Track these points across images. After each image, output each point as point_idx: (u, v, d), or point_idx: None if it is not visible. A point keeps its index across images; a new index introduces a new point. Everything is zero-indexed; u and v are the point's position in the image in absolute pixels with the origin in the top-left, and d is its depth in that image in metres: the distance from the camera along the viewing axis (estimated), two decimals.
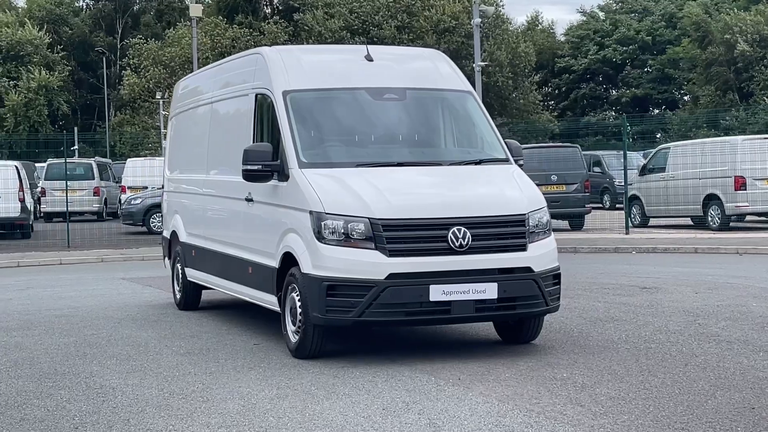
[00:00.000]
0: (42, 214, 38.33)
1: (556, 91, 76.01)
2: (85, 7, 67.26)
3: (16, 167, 30.25)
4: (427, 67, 11.77)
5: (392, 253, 9.61)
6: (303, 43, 61.79)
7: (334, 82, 11.18)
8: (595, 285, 16.19)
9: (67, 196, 30.01)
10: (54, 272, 21.60)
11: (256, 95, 11.40)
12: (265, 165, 10.54)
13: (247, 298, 11.86)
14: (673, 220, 30.00)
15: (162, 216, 16.26)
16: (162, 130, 56.04)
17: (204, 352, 10.81)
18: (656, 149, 30.71)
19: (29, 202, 30.57)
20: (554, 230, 11.06)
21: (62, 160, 38.38)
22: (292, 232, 10.23)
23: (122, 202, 34.06)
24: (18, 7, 70.21)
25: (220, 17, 63.58)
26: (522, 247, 10.02)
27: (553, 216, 30.09)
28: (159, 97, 58.30)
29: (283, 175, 10.46)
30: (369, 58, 11.40)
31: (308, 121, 10.88)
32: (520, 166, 11.36)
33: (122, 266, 22.56)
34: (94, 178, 39.31)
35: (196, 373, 9.66)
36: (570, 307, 13.58)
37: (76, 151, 57.51)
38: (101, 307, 14.62)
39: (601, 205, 38.16)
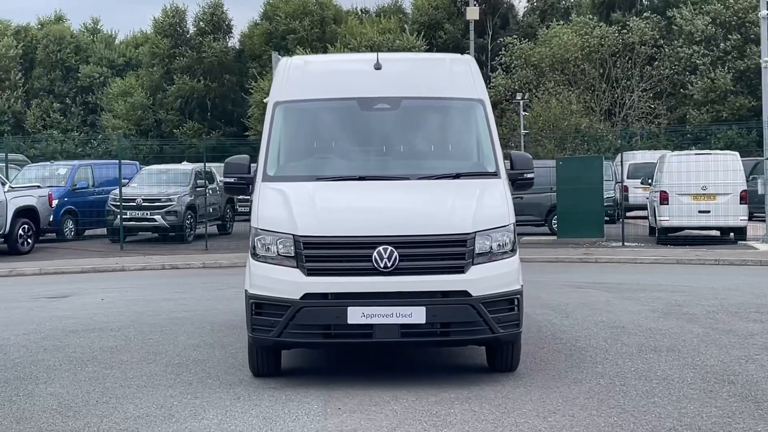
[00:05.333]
0: None
1: None
2: (457, 11, 68.45)
3: None
4: (438, 75, 11.13)
5: (310, 272, 9.24)
6: (675, 41, 59.63)
7: (327, 92, 10.87)
8: (743, 308, 14.58)
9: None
10: None
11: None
12: (240, 178, 10.46)
13: None
14: None
15: None
16: (522, 132, 56.16)
17: (192, 363, 10.87)
18: None
19: None
20: None
21: None
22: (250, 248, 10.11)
23: None
24: (407, 12, 72.95)
25: (591, 16, 62.68)
26: (459, 270, 9.25)
27: None
28: (519, 98, 58.35)
29: (253, 189, 10.36)
30: (377, 67, 10.96)
31: (288, 132, 10.71)
32: (527, 180, 10.54)
33: None
34: None
35: (129, 387, 9.75)
36: (652, 330, 12.40)
37: None
38: (219, 312, 15.01)
39: None
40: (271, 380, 9.83)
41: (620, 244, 27.43)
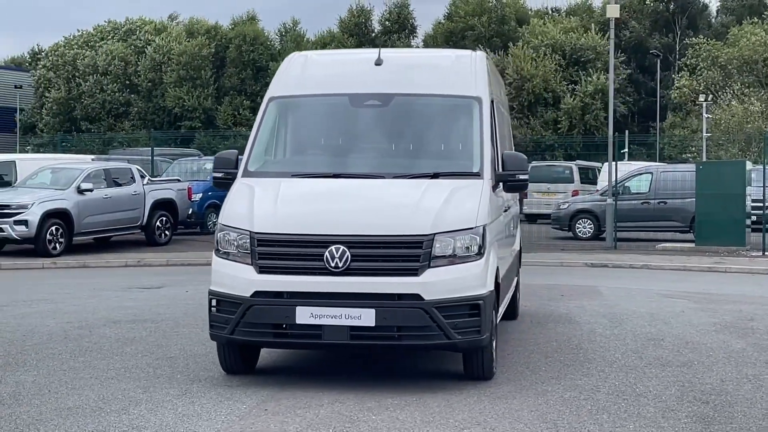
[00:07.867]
0: (524, 216, 39.02)
1: None
2: (645, 9, 66.60)
3: None
4: (438, 71, 10.72)
5: (262, 270, 9.08)
6: None
7: (321, 88, 10.66)
8: None
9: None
10: None
11: None
12: (227, 173, 10.35)
13: None
14: None
15: None
16: (704, 134, 54.08)
17: (183, 358, 10.87)
18: None
19: None
20: None
21: (543, 163, 39.19)
22: None
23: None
24: (594, 10, 71.51)
25: None
26: (413, 272, 8.88)
27: None
28: (702, 100, 56.21)
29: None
30: (378, 62, 10.66)
31: (277, 127, 10.58)
32: (520, 181, 10.05)
33: None
34: (573, 181, 39.25)
35: (98, 378, 9.83)
36: (689, 344, 11.69)
37: (626, 154, 57.30)
38: None
39: None
40: (236, 378, 9.73)
41: (761, 253, 26.02)
